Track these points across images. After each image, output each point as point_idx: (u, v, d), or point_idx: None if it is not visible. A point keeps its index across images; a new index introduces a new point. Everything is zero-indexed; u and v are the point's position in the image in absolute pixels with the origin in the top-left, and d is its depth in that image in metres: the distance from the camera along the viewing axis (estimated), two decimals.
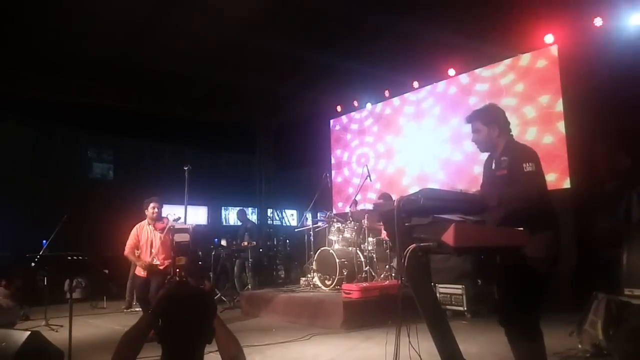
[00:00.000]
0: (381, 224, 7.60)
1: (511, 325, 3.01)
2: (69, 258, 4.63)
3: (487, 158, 3.35)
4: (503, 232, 2.81)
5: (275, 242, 12.96)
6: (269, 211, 13.49)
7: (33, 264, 6.04)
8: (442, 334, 3.03)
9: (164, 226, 6.28)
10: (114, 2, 7.87)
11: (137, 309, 8.17)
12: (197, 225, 8.69)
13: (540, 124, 7.40)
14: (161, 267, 6.16)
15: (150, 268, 6.08)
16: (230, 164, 15.33)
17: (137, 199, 10.79)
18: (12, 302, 7.09)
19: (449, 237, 2.62)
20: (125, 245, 6.32)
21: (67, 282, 8.64)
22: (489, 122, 3.20)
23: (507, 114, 3.33)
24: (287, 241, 13.20)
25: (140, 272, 6.14)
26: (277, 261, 12.30)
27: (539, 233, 2.89)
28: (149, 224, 6.34)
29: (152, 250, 6.20)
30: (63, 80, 9.99)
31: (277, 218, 14.24)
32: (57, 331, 6.14)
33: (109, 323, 7.18)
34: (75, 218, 7.20)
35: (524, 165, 2.96)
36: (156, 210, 6.31)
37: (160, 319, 1.96)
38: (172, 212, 6.74)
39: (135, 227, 6.37)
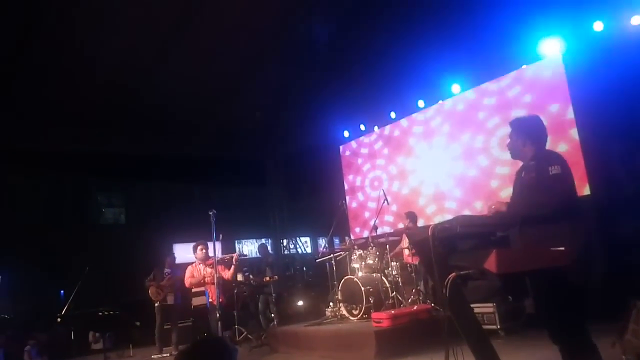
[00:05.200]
0: (402, 246, 7.53)
1: (564, 342, 2.94)
2: (101, 314, 4.55)
3: (520, 167, 3.36)
4: (544, 254, 2.77)
5: (292, 272, 12.81)
6: (284, 241, 13.43)
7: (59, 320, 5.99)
8: (488, 358, 2.97)
9: (212, 262, 6.81)
10: (117, 46, 8.05)
11: (165, 354, 8.06)
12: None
13: (553, 133, 7.32)
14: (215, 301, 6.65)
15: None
16: (240, 196, 15.29)
17: (150, 241, 10.89)
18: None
19: (491, 264, 2.59)
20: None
21: (91, 332, 8.57)
22: (517, 132, 3.29)
23: None
24: (305, 269, 13.00)
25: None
26: (296, 292, 12.12)
27: (569, 237, 2.84)
28: (199, 264, 7.09)
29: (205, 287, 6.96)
30: (69, 130, 10.09)
31: (292, 247, 14.12)
32: None
33: None
34: (91, 265, 7.27)
35: (550, 168, 2.97)
36: (204, 251, 7.11)
37: None
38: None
39: (188, 267, 7.16)
